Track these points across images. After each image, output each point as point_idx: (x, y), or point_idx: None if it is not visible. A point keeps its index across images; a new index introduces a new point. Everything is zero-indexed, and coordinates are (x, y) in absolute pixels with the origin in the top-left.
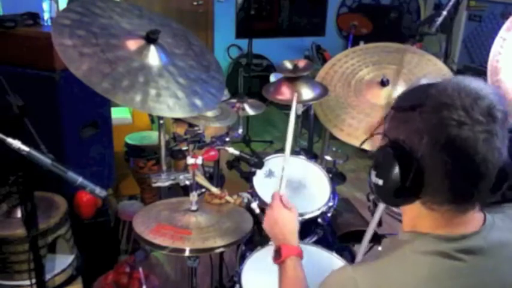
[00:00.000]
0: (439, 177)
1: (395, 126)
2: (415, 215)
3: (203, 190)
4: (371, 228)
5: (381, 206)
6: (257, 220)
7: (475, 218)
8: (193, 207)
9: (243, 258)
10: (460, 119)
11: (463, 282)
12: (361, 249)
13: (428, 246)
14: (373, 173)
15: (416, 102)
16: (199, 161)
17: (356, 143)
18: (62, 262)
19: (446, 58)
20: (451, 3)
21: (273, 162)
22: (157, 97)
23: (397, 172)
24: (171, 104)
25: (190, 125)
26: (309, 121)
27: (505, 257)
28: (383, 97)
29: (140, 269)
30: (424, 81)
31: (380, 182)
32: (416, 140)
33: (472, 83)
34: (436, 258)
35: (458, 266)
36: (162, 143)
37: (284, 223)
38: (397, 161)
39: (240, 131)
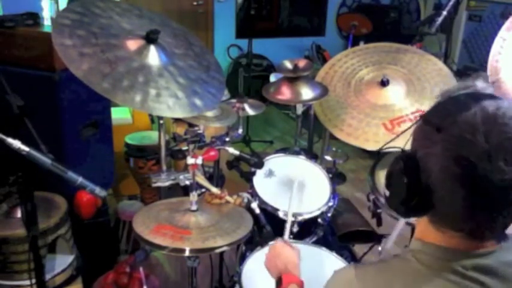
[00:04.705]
0: (450, 204)
1: (418, 139)
2: (423, 226)
3: (203, 190)
4: (393, 236)
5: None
6: (257, 220)
7: (488, 240)
8: (193, 207)
9: (243, 258)
10: (480, 164)
11: None
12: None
13: (435, 260)
14: (385, 182)
15: (443, 124)
16: (199, 161)
17: (356, 143)
18: (62, 262)
19: (446, 58)
20: (451, 3)
21: (273, 162)
22: (157, 97)
23: (403, 188)
24: (171, 104)
25: (190, 125)
26: (309, 121)
27: None
28: (383, 97)
29: (141, 269)
30: (477, 84)
31: (387, 193)
32: (432, 162)
33: (510, 113)
34: (443, 275)
35: (464, 285)
36: (162, 143)
37: (286, 256)
38: (405, 177)
39: (240, 131)
